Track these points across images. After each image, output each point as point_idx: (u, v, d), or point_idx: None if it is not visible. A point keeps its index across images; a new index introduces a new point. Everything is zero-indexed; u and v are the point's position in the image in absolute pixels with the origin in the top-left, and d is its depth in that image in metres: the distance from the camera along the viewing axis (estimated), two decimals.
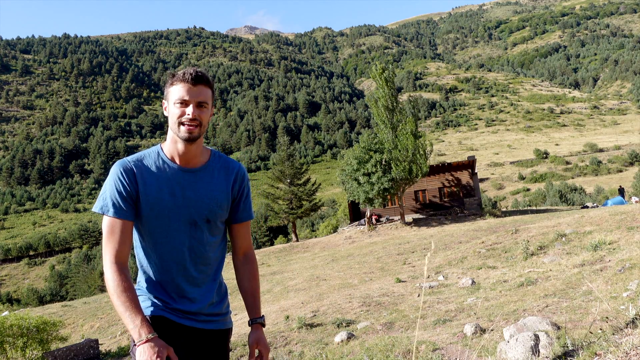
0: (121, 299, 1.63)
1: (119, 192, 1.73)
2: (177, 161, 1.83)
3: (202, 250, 1.84)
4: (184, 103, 1.76)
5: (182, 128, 1.76)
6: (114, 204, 1.73)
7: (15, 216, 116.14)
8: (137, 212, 1.78)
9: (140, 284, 1.89)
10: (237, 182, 1.93)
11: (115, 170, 1.77)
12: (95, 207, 1.75)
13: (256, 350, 1.88)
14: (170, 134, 1.83)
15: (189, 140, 1.77)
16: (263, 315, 1.96)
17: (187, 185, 1.81)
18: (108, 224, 1.73)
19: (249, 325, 1.95)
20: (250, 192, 2.00)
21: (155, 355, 1.55)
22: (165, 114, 1.84)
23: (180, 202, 1.79)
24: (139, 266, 1.88)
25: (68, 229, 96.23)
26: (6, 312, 10.05)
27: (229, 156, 2.03)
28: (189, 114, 1.75)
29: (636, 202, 26.24)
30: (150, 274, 1.84)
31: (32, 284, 71.71)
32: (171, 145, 1.83)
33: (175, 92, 1.77)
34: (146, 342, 1.57)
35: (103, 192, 1.76)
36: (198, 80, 1.77)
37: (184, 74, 1.77)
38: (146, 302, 1.82)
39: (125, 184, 1.75)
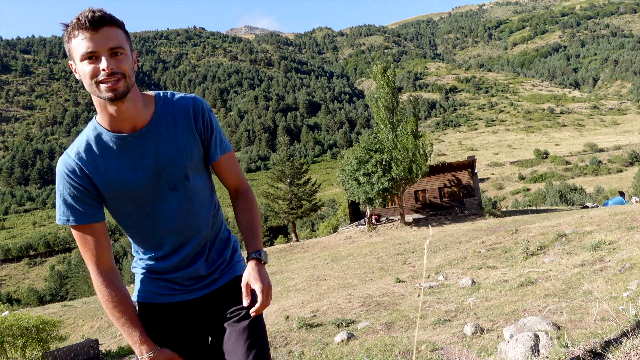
0: (115, 314, 1.54)
1: (72, 196, 1.50)
2: (120, 128, 1.51)
3: (194, 211, 1.61)
4: (93, 57, 1.40)
5: (103, 87, 1.41)
6: (72, 212, 1.50)
7: (15, 216, 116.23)
8: (104, 204, 1.56)
9: (135, 258, 1.74)
10: (199, 119, 1.60)
11: (60, 172, 1.51)
12: (58, 220, 1.53)
13: (254, 290, 1.56)
14: (96, 99, 1.48)
15: (116, 99, 1.43)
16: (261, 250, 1.63)
17: (144, 151, 1.53)
18: (76, 234, 1.53)
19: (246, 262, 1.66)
20: (217, 123, 1.66)
21: None
22: (77, 77, 1.47)
23: (146, 173, 1.53)
24: (130, 241, 1.71)
25: (68, 229, 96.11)
26: (6, 312, 10.06)
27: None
28: (104, 69, 1.39)
29: (636, 202, 26.25)
30: (142, 251, 1.67)
31: (32, 284, 71.74)
32: (103, 113, 1.50)
33: (78, 45, 1.40)
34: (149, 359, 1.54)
35: (57, 201, 1.52)
36: (99, 22, 1.40)
37: (78, 19, 1.40)
38: (139, 283, 1.71)
39: (74, 184, 1.50)
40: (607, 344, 2.92)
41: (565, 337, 3.45)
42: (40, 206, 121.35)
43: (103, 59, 1.40)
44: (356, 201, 29.08)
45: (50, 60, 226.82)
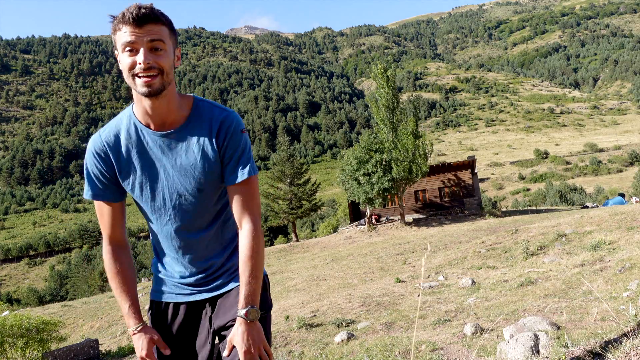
0: (114, 283, 1.61)
1: (94, 175, 1.58)
2: (151, 124, 1.54)
3: (197, 225, 1.62)
4: (133, 49, 1.42)
5: (138, 81, 1.43)
6: (91, 187, 1.59)
7: (15, 216, 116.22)
8: (122, 189, 1.63)
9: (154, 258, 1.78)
10: (221, 136, 1.55)
11: (89, 150, 1.59)
12: (84, 194, 1.63)
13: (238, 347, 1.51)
14: (134, 92, 1.51)
15: (150, 95, 1.44)
16: (249, 308, 1.50)
17: (166, 152, 1.55)
18: (96, 206, 1.63)
19: None
20: (241, 146, 1.57)
21: (141, 349, 1.57)
22: (120, 67, 1.50)
23: (162, 174, 1.56)
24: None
25: (68, 229, 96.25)
26: (6, 312, 10.06)
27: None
28: (140, 63, 1.41)
29: (636, 202, 26.24)
30: (158, 248, 1.72)
31: (32, 284, 71.72)
32: (138, 105, 1.53)
33: (120, 37, 1.43)
34: (134, 334, 1.59)
35: (85, 174, 1.62)
36: (144, 19, 1.41)
37: (123, 14, 1.42)
38: (154, 282, 1.77)
39: (98, 165, 1.57)
40: (607, 344, 2.92)
41: (565, 337, 3.45)
42: (40, 206, 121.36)
43: (141, 52, 1.42)
44: (356, 201, 29.08)
45: (50, 60, 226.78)
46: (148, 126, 1.55)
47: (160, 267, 1.73)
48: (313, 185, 38.66)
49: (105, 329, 15.50)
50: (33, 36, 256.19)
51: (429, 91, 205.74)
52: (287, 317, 8.12)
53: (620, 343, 2.82)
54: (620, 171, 75.47)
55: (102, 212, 1.62)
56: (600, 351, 2.87)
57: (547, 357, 3.26)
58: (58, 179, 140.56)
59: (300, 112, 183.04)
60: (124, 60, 1.44)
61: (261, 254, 1.57)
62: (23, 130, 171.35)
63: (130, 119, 1.57)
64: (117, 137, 1.57)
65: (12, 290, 71.19)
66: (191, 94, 1.63)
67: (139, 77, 1.43)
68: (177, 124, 1.55)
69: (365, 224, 28.62)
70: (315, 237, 42.69)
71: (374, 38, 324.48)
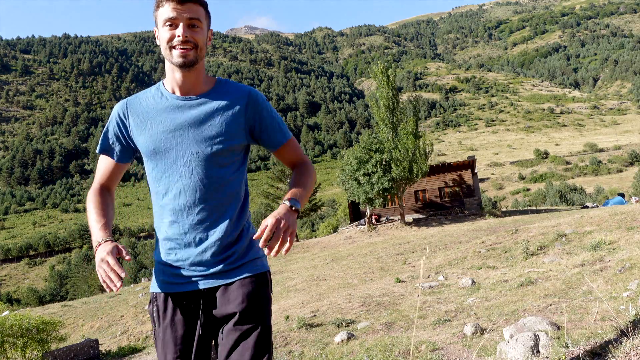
0: (90, 206, 1.69)
1: (110, 133, 1.72)
2: (177, 92, 1.67)
3: (212, 185, 1.64)
4: (173, 24, 1.57)
5: (175, 52, 1.58)
6: (102, 142, 1.74)
7: (15, 216, 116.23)
8: (136, 154, 1.75)
9: (156, 248, 1.75)
10: (250, 107, 1.70)
11: (114, 111, 1.74)
12: (97, 148, 1.78)
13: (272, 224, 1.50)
14: (167, 64, 1.66)
15: (185, 65, 1.59)
16: (294, 199, 1.60)
17: (187, 115, 1.65)
18: (100, 159, 1.77)
19: None
20: (273, 113, 1.76)
21: (106, 253, 1.51)
22: (157, 42, 1.65)
23: (183, 139, 1.64)
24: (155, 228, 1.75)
25: (68, 229, 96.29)
26: (6, 312, 10.06)
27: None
28: (179, 36, 1.56)
29: (636, 201, 26.24)
30: (164, 223, 1.68)
31: (32, 284, 71.73)
32: (169, 75, 1.67)
33: (162, 13, 1.58)
34: (100, 244, 1.55)
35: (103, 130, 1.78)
36: None
37: None
38: (154, 274, 1.73)
39: (116, 126, 1.71)
40: (607, 344, 2.92)
41: (565, 337, 3.45)
42: (40, 206, 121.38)
43: (180, 27, 1.57)
44: (356, 201, 29.08)
45: (50, 60, 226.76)
46: (173, 92, 1.68)
47: (163, 252, 1.68)
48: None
49: (105, 329, 15.50)
50: (33, 36, 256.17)
51: (429, 91, 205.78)
52: (287, 317, 8.13)
53: (620, 343, 2.82)
54: (620, 171, 75.49)
55: (102, 164, 1.76)
56: (600, 351, 2.87)
57: (547, 357, 3.26)
58: (58, 179, 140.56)
59: (300, 112, 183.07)
60: (163, 33, 1.59)
61: (313, 179, 1.77)
62: (23, 130, 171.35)
63: (158, 88, 1.71)
64: (140, 103, 1.70)
65: (12, 290, 71.19)
66: (215, 76, 1.78)
67: (176, 48, 1.58)
68: (200, 93, 1.68)
69: (365, 224, 28.62)
70: (315, 237, 42.70)
71: (374, 38, 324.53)
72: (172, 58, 1.59)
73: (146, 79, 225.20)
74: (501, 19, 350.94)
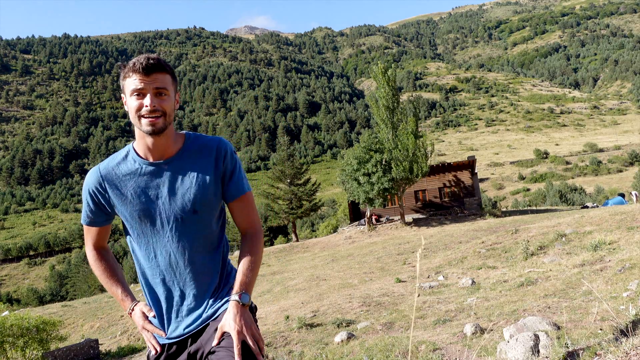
0: (102, 278, 1.81)
1: (89, 206, 1.77)
2: (150, 157, 1.72)
3: (194, 246, 1.73)
4: (140, 94, 1.63)
5: (144, 121, 1.63)
6: (87, 216, 1.79)
7: (15, 216, 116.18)
8: (118, 216, 1.80)
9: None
10: (221, 159, 1.76)
11: (86, 183, 1.76)
12: (82, 220, 1.83)
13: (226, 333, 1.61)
14: (137, 130, 1.70)
15: (154, 133, 1.64)
16: (243, 292, 1.64)
17: (163, 179, 1.71)
18: (86, 229, 1.84)
19: None
20: (238, 165, 1.81)
21: (141, 320, 1.76)
22: (126, 108, 1.70)
23: (159, 200, 1.70)
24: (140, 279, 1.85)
25: (68, 229, 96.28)
26: (6, 312, 10.06)
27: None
28: (147, 106, 1.62)
29: (636, 196, 26.24)
30: (146, 285, 1.81)
31: (32, 284, 71.73)
32: (140, 142, 1.72)
33: (129, 84, 1.64)
34: (130, 313, 1.79)
35: (83, 203, 1.82)
36: (151, 69, 1.63)
37: (134, 63, 1.63)
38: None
39: (94, 197, 1.74)
40: (607, 344, 2.92)
41: (565, 337, 3.45)
42: (40, 206, 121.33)
43: (148, 97, 1.63)
44: (356, 201, 29.07)
45: (50, 60, 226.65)
46: (146, 159, 1.73)
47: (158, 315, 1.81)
48: (313, 185, 38.66)
49: (105, 329, 15.50)
50: (33, 36, 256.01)
51: (429, 91, 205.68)
52: (287, 317, 8.12)
53: (620, 343, 2.82)
54: (620, 171, 75.48)
55: (91, 233, 1.83)
56: (600, 351, 2.87)
57: (547, 357, 3.25)
58: (58, 179, 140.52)
59: (300, 112, 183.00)
60: (131, 103, 1.65)
61: (260, 255, 1.78)
62: (23, 130, 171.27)
63: (128, 154, 1.75)
64: (114, 169, 1.74)
65: (12, 290, 71.19)
66: (183, 131, 1.82)
67: (145, 117, 1.64)
68: (172, 154, 1.74)
69: (365, 224, 28.61)
70: (315, 237, 42.69)
71: (374, 38, 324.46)
72: (142, 126, 1.64)
73: None
74: (501, 19, 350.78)
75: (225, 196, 1.79)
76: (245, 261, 1.73)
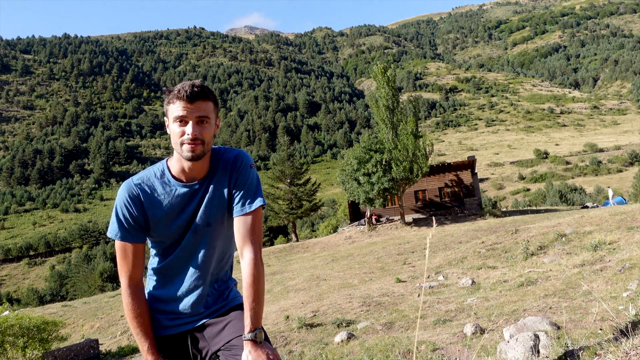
0: (133, 324, 1.77)
1: (125, 218, 1.76)
2: (183, 178, 1.79)
3: (206, 255, 1.83)
4: (183, 121, 1.69)
5: (185, 147, 1.69)
6: (121, 229, 1.76)
7: (15, 216, 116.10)
8: (147, 233, 1.82)
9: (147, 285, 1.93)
10: (235, 172, 1.81)
11: (121, 195, 1.77)
12: (109, 233, 1.79)
13: None
14: (175, 153, 1.78)
15: (193, 159, 1.71)
16: (256, 330, 1.67)
17: (191, 199, 1.79)
18: (119, 247, 1.78)
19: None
20: (249, 179, 1.81)
21: None
22: (168, 131, 1.78)
23: (185, 217, 1.78)
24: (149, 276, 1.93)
25: (68, 229, 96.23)
26: (7, 312, 10.06)
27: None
28: (189, 134, 1.67)
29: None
30: (166, 275, 1.87)
31: (32, 284, 71.71)
32: (177, 163, 1.79)
33: (173, 110, 1.70)
34: None
35: (113, 216, 1.79)
36: (195, 96, 1.68)
37: (179, 90, 1.68)
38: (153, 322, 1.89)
39: (130, 210, 1.75)
40: (607, 344, 2.92)
41: (565, 337, 3.45)
42: (40, 206, 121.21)
43: (190, 125, 1.69)
44: (356, 201, 29.07)
45: (50, 60, 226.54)
46: (180, 180, 1.79)
47: (160, 301, 1.85)
48: (313, 185, 38.65)
49: (105, 329, 15.50)
50: (33, 36, 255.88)
51: (429, 91, 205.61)
52: (287, 317, 8.13)
53: (620, 343, 2.83)
54: (620, 171, 75.48)
55: (126, 253, 1.78)
56: (600, 351, 2.88)
57: (547, 357, 3.26)
58: (58, 179, 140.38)
59: (300, 112, 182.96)
60: (174, 129, 1.71)
61: (262, 281, 1.75)
62: (23, 130, 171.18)
63: (163, 171, 1.81)
64: (150, 185, 1.79)
65: (12, 290, 71.16)
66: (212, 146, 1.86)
67: (186, 144, 1.69)
68: (202, 175, 1.81)
69: (365, 224, 28.61)
70: (315, 237, 42.69)
71: (374, 38, 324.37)
72: (182, 152, 1.71)
73: (146, 79, 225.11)
74: (501, 19, 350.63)
75: (231, 209, 1.82)
76: (249, 292, 1.71)
